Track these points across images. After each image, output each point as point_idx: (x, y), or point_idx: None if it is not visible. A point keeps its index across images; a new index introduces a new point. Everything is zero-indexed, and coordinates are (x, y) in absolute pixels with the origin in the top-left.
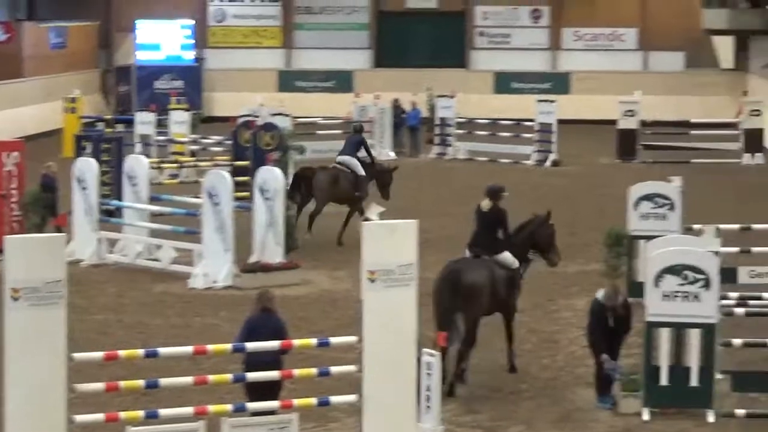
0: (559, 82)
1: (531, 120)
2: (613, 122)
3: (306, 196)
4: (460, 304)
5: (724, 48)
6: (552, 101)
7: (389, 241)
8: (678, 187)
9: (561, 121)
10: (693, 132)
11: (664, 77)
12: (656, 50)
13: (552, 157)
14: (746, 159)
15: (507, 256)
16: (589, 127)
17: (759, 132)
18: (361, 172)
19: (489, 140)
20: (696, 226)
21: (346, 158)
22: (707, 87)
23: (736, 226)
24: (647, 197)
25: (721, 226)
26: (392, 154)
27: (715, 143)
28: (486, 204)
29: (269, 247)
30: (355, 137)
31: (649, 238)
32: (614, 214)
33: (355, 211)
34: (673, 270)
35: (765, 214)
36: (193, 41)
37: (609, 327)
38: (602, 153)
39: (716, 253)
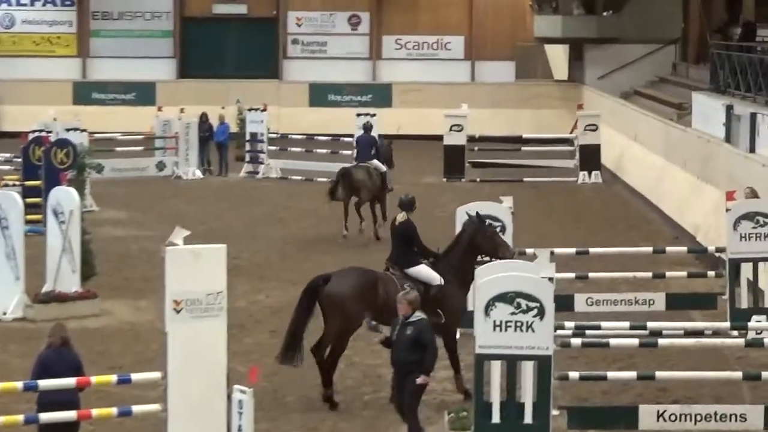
0: (380, 95)
1: (350, 135)
2: (439, 138)
3: (349, 191)
4: (325, 315)
5: (558, 58)
6: (372, 115)
7: (195, 268)
8: (509, 208)
9: (383, 137)
10: (525, 148)
11: (493, 89)
12: (484, 60)
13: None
14: (582, 177)
15: (422, 270)
16: (413, 144)
17: (596, 148)
18: (384, 168)
19: (304, 157)
20: (529, 250)
21: (370, 162)
22: (540, 100)
23: (571, 250)
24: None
25: (556, 250)
26: (198, 173)
27: (549, 160)
28: (401, 217)
29: (64, 275)
30: (367, 138)
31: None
32: (438, 238)
33: (384, 205)
34: (505, 298)
35: (602, 237)
36: None
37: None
38: (427, 171)
39: (550, 279)
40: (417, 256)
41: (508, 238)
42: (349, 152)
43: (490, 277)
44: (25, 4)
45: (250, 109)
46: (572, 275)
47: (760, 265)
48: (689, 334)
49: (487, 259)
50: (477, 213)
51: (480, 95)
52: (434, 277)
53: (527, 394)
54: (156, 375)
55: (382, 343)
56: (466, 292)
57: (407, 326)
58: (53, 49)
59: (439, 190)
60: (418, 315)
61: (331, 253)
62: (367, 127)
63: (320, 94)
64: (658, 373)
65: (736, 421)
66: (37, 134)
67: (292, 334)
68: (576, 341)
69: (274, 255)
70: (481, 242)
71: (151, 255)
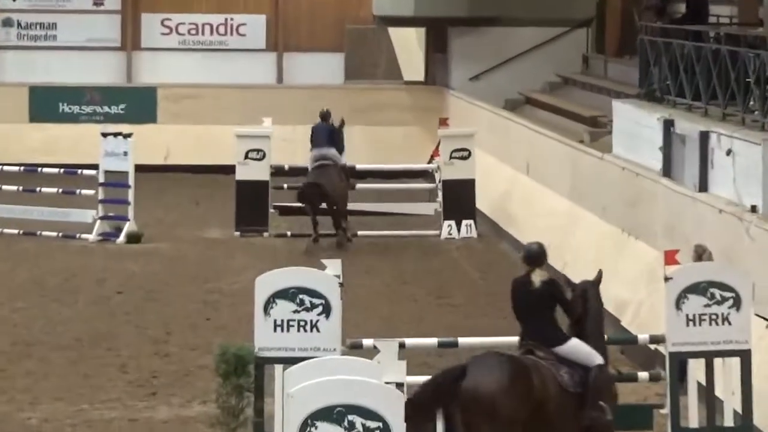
0: (138, 104)
1: (93, 166)
2: (229, 169)
3: (320, 200)
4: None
5: (409, 48)
6: (126, 135)
7: None
8: (335, 278)
9: (141, 168)
10: (360, 186)
11: (310, 95)
12: (297, 51)
13: (128, 227)
14: (448, 230)
15: (577, 348)
16: (188, 179)
17: (467, 186)
18: (344, 161)
19: (22, 199)
20: (367, 342)
21: (325, 151)
22: (382, 111)
23: (431, 341)
24: (286, 295)
25: (409, 340)
26: None
27: (396, 204)
28: (538, 276)
29: None
30: (325, 126)
31: (288, 360)
32: (232, 322)
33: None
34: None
35: (478, 321)
36: None
37: None
38: (210, 221)
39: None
40: (560, 330)
41: (334, 324)
42: (91, 192)
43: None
44: None
45: None
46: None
47: (716, 361)
48: None
49: None
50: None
51: (291, 104)
52: (594, 356)
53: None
54: None
55: None
56: None
57: None
58: None
59: (228, 251)
60: None
61: (66, 350)
62: (325, 115)
63: (47, 103)
64: None
65: None
66: None
67: None
68: None
69: None
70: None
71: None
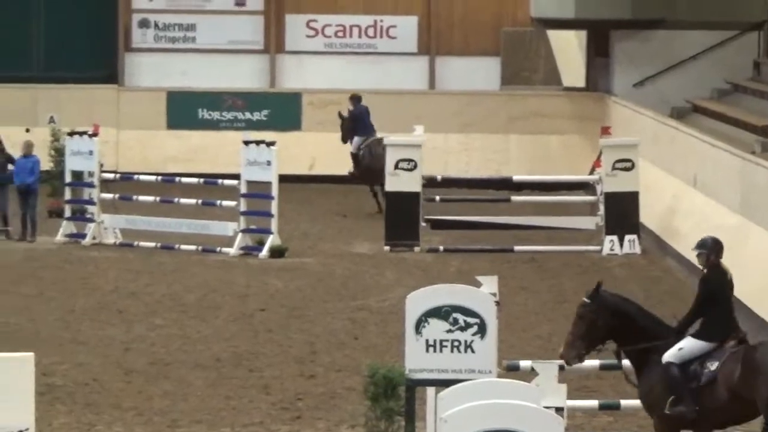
0: (282, 110)
1: (234, 176)
2: None
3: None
4: None
5: (570, 53)
6: (270, 144)
7: None
8: (491, 296)
9: (285, 178)
10: (516, 198)
11: (464, 102)
12: (451, 55)
13: (271, 241)
14: (610, 245)
15: None
16: (335, 189)
17: (631, 199)
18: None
19: (159, 211)
20: (525, 363)
21: (378, 136)
22: (540, 119)
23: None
24: (439, 313)
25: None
26: None
27: (556, 218)
28: (725, 266)
29: None
30: (365, 108)
31: (441, 383)
32: (381, 341)
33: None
34: None
35: None
36: None
37: None
38: (359, 235)
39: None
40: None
41: (490, 345)
42: (232, 203)
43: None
44: None
45: (71, 134)
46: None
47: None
48: None
49: None
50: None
51: (443, 112)
52: None
53: None
54: None
55: None
56: None
57: None
58: None
59: (377, 266)
60: None
61: (205, 369)
62: (359, 97)
63: (185, 109)
64: None
65: None
66: None
67: None
68: None
69: (110, 371)
70: None
71: None
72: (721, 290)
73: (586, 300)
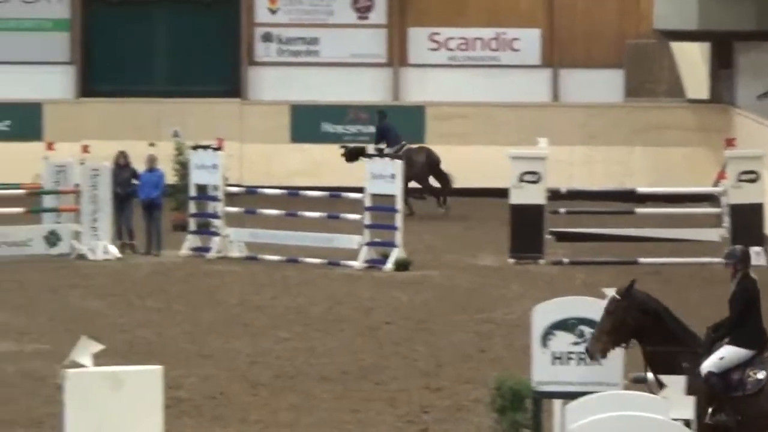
0: (405, 123)
1: (358, 189)
2: (501, 192)
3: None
4: None
5: (693, 64)
6: (394, 157)
7: (113, 402)
8: None
9: (410, 191)
10: (640, 210)
11: (588, 114)
12: (574, 67)
13: (396, 254)
14: None
15: None
16: (459, 202)
17: (755, 210)
18: None
19: (284, 224)
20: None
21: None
22: (664, 131)
23: None
24: (565, 326)
25: None
26: (113, 250)
27: (680, 230)
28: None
29: None
30: (391, 124)
31: (568, 395)
32: (507, 354)
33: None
34: None
35: None
36: None
37: None
38: (483, 247)
39: None
40: None
41: (617, 357)
42: (357, 217)
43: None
44: None
45: (195, 147)
46: None
47: None
48: None
49: None
50: None
51: (567, 124)
52: None
53: None
54: None
55: None
56: None
57: None
58: None
59: (502, 279)
60: None
61: (330, 382)
62: (385, 113)
63: (308, 123)
64: None
65: None
66: None
67: None
68: None
69: (236, 384)
70: None
71: (41, 382)
72: (756, 299)
73: (617, 296)
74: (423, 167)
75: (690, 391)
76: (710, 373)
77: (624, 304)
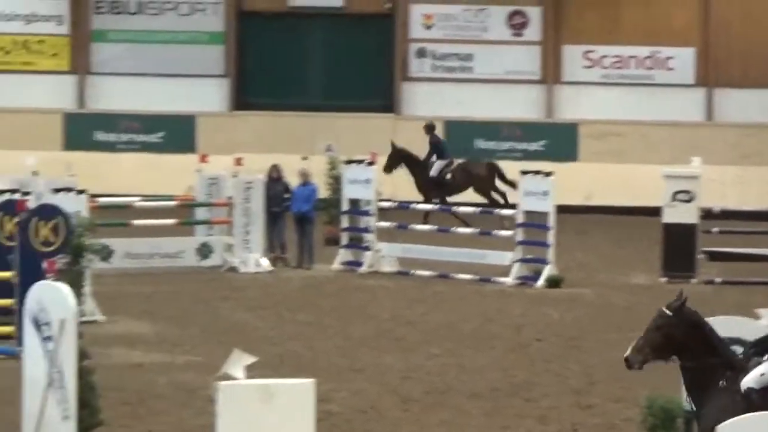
0: (558, 140)
1: (510, 206)
2: (654, 211)
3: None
4: None
5: None
6: (547, 174)
7: (265, 415)
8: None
9: (561, 209)
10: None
11: (743, 134)
12: (729, 86)
13: (548, 271)
14: None
15: None
16: (611, 220)
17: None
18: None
19: (435, 239)
20: None
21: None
22: None
23: None
24: None
25: None
26: (265, 263)
27: None
28: None
29: (51, 425)
30: (441, 139)
31: None
32: (661, 373)
33: None
34: None
35: None
36: None
37: None
38: (635, 266)
39: None
40: None
41: None
42: (509, 233)
43: None
44: None
45: (348, 162)
46: None
47: None
48: None
49: None
50: None
51: (721, 143)
52: None
53: None
54: None
55: None
56: None
57: None
58: (31, 59)
59: (654, 297)
60: None
61: (481, 399)
62: (432, 125)
63: (463, 138)
64: None
65: None
66: (7, 197)
67: None
68: None
69: (387, 399)
70: None
71: (192, 393)
72: None
73: (667, 312)
74: (486, 180)
75: (720, 406)
76: (750, 389)
77: (674, 321)
